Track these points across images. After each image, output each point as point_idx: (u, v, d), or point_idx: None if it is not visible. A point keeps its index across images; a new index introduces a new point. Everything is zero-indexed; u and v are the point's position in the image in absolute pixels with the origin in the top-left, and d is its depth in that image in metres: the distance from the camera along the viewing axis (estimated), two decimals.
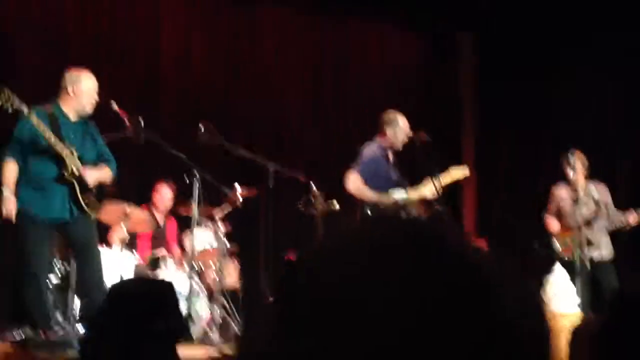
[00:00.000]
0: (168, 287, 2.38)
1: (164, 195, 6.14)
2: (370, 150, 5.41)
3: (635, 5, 6.66)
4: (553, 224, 5.82)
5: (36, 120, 4.41)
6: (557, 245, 5.74)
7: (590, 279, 5.47)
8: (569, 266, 5.23)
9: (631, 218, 5.60)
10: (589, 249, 5.58)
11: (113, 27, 6.92)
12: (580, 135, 6.64)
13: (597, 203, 5.70)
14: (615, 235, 5.76)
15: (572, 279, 5.03)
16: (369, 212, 5.26)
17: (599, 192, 5.74)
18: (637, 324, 1.40)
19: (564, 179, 5.78)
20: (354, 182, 5.27)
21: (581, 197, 5.68)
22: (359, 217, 5.32)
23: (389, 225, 0.61)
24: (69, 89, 4.59)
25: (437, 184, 5.31)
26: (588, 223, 5.65)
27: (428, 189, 5.37)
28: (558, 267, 4.95)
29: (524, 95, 7.58)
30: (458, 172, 5.64)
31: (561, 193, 5.82)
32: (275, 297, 0.59)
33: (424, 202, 5.57)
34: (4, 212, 4.41)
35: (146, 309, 2.14)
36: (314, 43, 7.77)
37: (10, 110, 4.37)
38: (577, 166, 5.67)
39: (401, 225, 0.61)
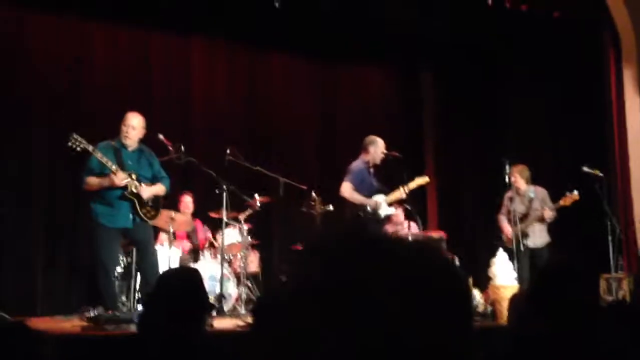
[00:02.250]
0: (196, 273, 2.35)
1: (187, 203, 6.22)
2: (357, 165, 5.54)
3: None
4: (503, 223, 5.77)
5: (99, 155, 4.55)
6: (504, 237, 5.71)
7: (529, 261, 5.47)
8: (510, 252, 5.28)
9: (545, 214, 5.58)
10: (525, 238, 5.54)
11: (159, 75, 6.99)
12: (519, 149, 6.59)
13: (530, 202, 5.64)
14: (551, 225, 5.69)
15: (512, 261, 5.07)
16: (359, 212, 5.40)
17: (536, 193, 5.65)
18: (550, 288, 1.62)
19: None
20: (347, 189, 5.43)
21: (517, 198, 5.65)
22: (349, 215, 5.45)
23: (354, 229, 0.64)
24: (123, 128, 4.74)
25: (406, 188, 5.48)
26: (523, 218, 5.63)
27: (400, 193, 5.53)
28: (500, 252, 5.05)
29: (472, 121, 7.68)
30: (421, 180, 5.75)
31: (507, 196, 5.72)
32: (287, 278, 0.61)
33: (398, 202, 5.75)
34: (117, 182, 4.55)
35: (181, 292, 2.14)
36: (313, 82, 7.71)
37: (79, 150, 4.52)
38: (514, 174, 5.63)
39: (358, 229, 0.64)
